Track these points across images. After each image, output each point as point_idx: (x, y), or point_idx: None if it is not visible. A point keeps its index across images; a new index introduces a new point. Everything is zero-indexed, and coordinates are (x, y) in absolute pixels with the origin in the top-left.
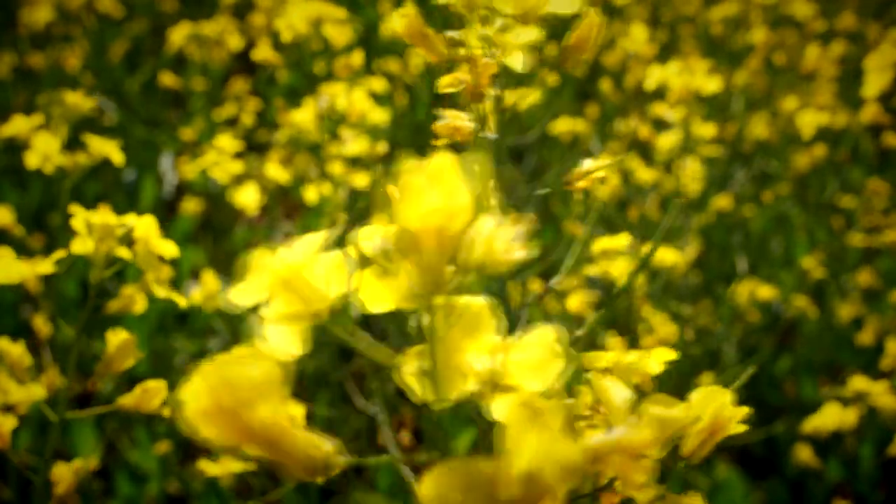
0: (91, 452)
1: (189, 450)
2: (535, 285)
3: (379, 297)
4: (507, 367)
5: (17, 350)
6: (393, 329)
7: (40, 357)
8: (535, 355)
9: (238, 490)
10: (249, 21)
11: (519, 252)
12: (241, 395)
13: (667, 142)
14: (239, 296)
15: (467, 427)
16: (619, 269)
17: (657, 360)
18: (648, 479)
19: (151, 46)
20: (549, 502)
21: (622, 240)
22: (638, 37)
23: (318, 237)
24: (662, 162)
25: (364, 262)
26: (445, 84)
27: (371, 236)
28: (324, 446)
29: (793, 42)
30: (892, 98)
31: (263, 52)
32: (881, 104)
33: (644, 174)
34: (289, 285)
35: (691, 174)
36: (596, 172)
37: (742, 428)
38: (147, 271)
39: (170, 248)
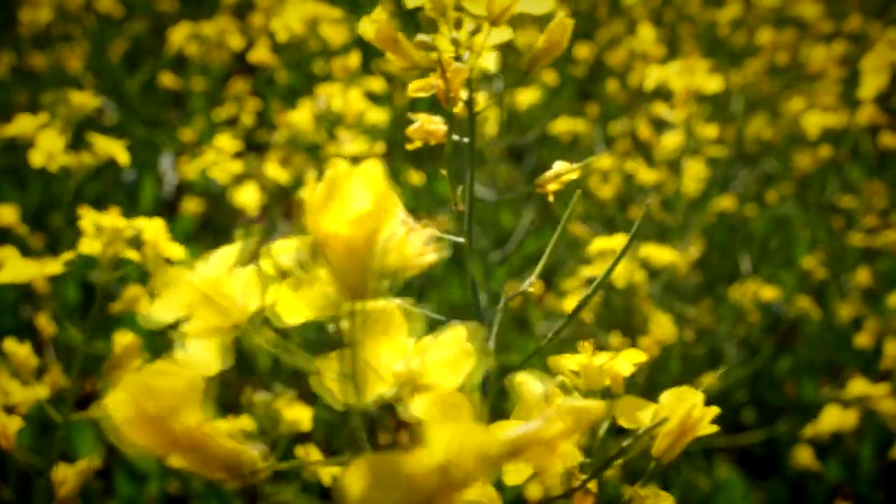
0: (91, 453)
1: None
2: (536, 286)
3: (295, 309)
4: (424, 367)
5: (23, 351)
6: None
7: (43, 358)
8: (449, 354)
9: (240, 490)
10: (249, 21)
11: (430, 256)
12: (163, 405)
13: (669, 142)
14: (158, 312)
15: None
16: (616, 269)
17: (628, 361)
18: (565, 469)
19: (151, 46)
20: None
21: (619, 240)
22: (645, 37)
23: (233, 250)
24: (664, 162)
25: (282, 274)
26: (416, 88)
27: (286, 249)
28: (247, 453)
29: (796, 42)
30: (891, 98)
31: (259, 54)
32: (879, 104)
33: (645, 174)
34: (206, 300)
35: (693, 174)
36: (566, 175)
37: (713, 428)
38: (155, 273)
39: (177, 251)
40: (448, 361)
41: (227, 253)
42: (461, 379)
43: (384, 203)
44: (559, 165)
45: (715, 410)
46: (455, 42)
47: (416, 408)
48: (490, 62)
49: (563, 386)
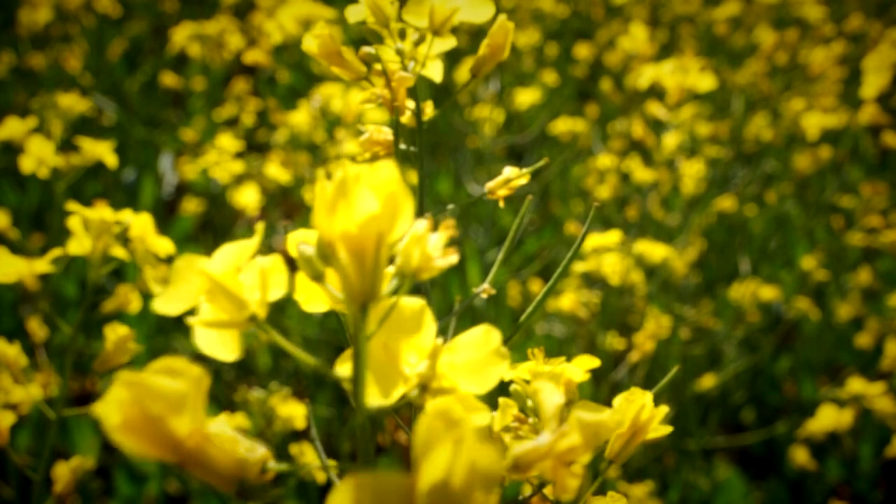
0: (90, 451)
1: None
2: (535, 285)
3: (313, 297)
4: (444, 369)
5: (12, 351)
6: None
7: (36, 357)
8: (474, 356)
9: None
10: (250, 21)
11: (451, 257)
12: (157, 408)
13: (666, 142)
14: (166, 304)
15: None
16: (610, 266)
17: (580, 367)
18: (581, 483)
19: (151, 46)
20: None
21: (612, 237)
22: (638, 36)
23: (249, 243)
24: (661, 162)
25: (301, 262)
26: (363, 100)
27: (301, 240)
28: (251, 459)
29: (796, 43)
30: (892, 98)
31: (254, 55)
32: (880, 104)
33: (642, 174)
34: (220, 291)
35: (692, 174)
36: (516, 181)
37: (666, 429)
38: (144, 269)
39: (166, 246)
40: (472, 364)
41: (243, 245)
42: (491, 384)
43: (396, 204)
44: (508, 171)
45: (664, 410)
46: (400, 52)
47: (415, 437)
48: (435, 71)
49: (516, 394)
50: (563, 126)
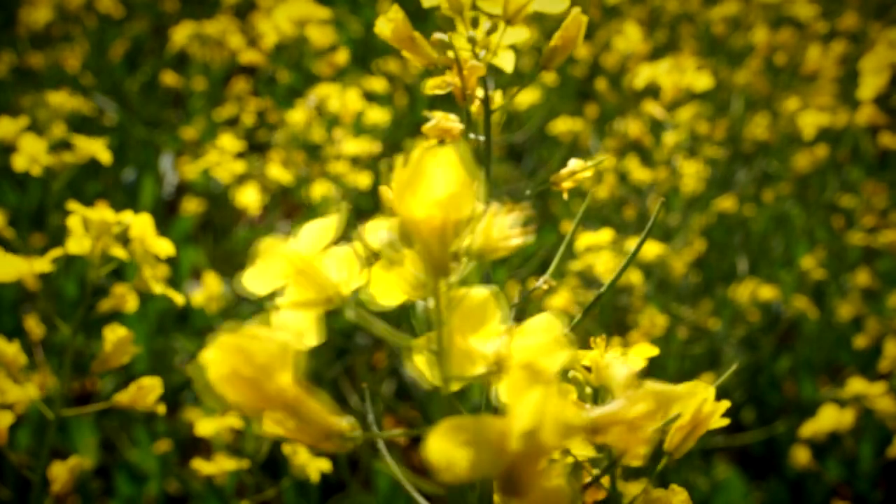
0: (89, 452)
1: (188, 449)
2: (534, 284)
3: (388, 289)
4: (513, 351)
5: (11, 350)
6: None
7: (34, 356)
8: (540, 340)
9: (238, 490)
10: (250, 21)
11: (516, 239)
12: (258, 364)
13: (664, 141)
14: (251, 283)
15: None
16: (604, 264)
17: (639, 356)
18: (647, 450)
19: (152, 46)
20: (548, 465)
21: (605, 235)
22: (632, 35)
23: (328, 224)
24: (659, 161)
25: (369, 259)
26: (433, 86)
27: (376, 229)
28: (339, 419)
29: (793, 42)
30: (891, 97)
31: (252, 55)
32: (879, 104)
33: (640, 174)
34: (303, 273)
35: (691, 174)
36: (581, 173)
37: (724, 422)
38: (144, 269)
39: (166, 247)
40: (539, 347)
41: (323, 227)
42: (556, 367)
43: (467, 185)
44: (574, 163)
45: (726, 404)
46: (472, 40)
47: (503, 392)
48: (506, 61)
49: (576, 381)
50: (563, 126)
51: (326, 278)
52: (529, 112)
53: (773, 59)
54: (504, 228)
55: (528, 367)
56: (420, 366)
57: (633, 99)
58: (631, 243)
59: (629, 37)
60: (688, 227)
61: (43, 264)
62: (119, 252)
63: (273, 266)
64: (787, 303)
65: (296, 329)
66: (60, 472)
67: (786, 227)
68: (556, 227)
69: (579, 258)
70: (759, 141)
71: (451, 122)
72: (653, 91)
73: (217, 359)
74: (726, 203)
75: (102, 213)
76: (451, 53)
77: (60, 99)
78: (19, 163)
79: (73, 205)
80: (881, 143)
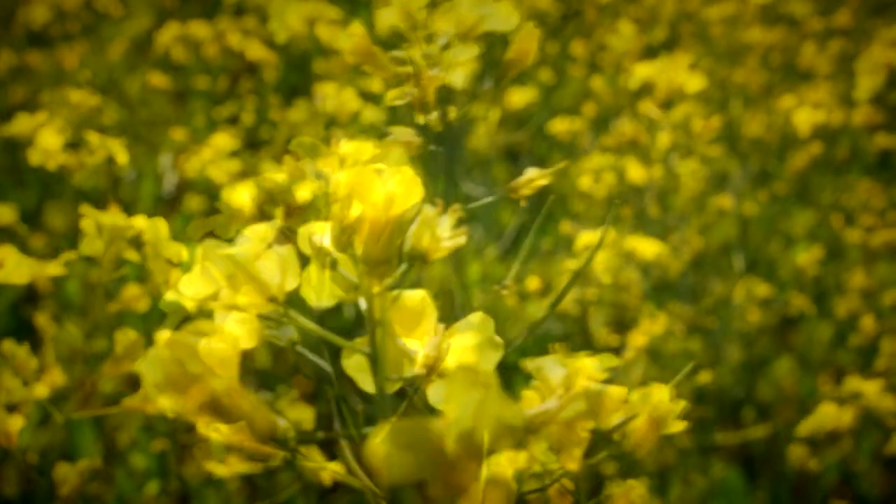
0: (91, 451)
1: (188, 449)
2: (533, 283)
3: (323, 291)
4: (448, 352)
5: (22, 352)
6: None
7: (42, 357)
8: (474, 341)
9: (239, 489)
10: (250, 20)
11: (459, 238)
12: (195, 367)
13: (659, 140)
14: (188, 287)
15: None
16: (601, 263)
17: (601, 365)
18: (582, 451)
19: (152, 45)
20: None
21: (602, 234)
22: (625, 34)
23: (265, 230)
24: (656, 160)
25: (306, 260)
26: (393, 97)
27: (312, 233)
28: (278, 419)
29: (789, 40)
30: (890, 96)
31: (256, 51)
32: (877, 103)
33: (636, 173)
34: (242, 276)
35: (688, 172)
36: (539, 181)
37: (681, 425)
38: (156, 274)
39: (178, 251)
40: (472, 348)
41: (262, 231)
42: (490, 366)
43: (410, 187)
44: (531, 171)
45: (682, 404)
46: (427, 57)
47: (435, 394)
48: (458, 77)
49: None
50: (562, 125)
51: (265, 281)
52: (527, 111)
53: (769, 57)
54: (446, 229)
55: (465, 369)
56: (355, 367)
57: (630, 98)
58: (629, 241)
59: (623, 35)
60: (686, 225)
61: (56, 267)
62: (132, 255)
63: (212, 269)
64: (787, 301)
65: (236, 330)
66: (70, 475)
67: (785, 226)
68: (555, 227)
69: (577, 257)
70: (755, 139)
71: (410, 135)
72: (649, 90)
73: (154, 365)
74: (724, 201)
75: (115, 216)
76: (409, 67)
77: (79, 97)
78: (34, 157)
79: (86, 209)
80: (880, 142)
